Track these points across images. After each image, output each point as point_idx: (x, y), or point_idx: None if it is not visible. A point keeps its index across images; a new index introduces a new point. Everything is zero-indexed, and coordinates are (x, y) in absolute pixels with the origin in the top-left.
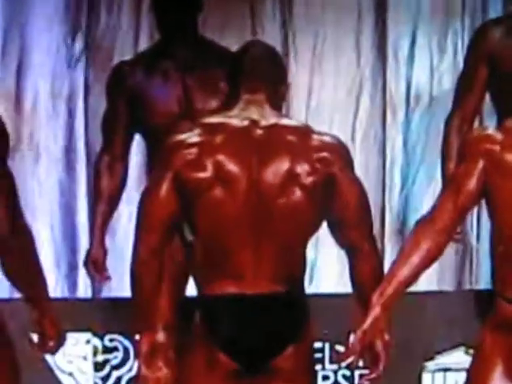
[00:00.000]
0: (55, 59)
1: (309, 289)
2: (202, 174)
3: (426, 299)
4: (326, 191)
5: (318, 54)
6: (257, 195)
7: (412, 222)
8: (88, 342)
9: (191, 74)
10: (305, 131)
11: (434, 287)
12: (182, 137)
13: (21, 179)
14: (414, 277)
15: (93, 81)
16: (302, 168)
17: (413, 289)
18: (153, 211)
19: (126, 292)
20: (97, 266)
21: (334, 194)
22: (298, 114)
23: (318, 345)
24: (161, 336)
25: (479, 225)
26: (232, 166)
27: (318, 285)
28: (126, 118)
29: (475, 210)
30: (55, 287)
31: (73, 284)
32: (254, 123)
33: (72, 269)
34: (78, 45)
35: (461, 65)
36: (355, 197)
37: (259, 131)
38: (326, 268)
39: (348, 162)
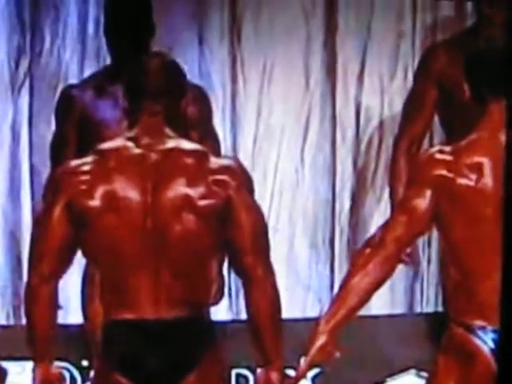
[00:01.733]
0: None
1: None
2: (94, 202)
3: (377, 322)
4: (222, 215)
5: (267, 77)
6: (152, 221)
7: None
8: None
9: None
10: (202, 154)
11: (385, 310)
12: (75, 163)
13: None
14: (363, 302)
15: (37, 106)
16: (198, 192)
17: (364, 312)
18: (44, 239)
19: (74, 319)
20: None
21: (230, 218)
22: (246, 137)
23: None
24: (55, 366)
25: (430, 247)
26: (126, 193)
27: None
28: (74, 141)
29: None
30: (0, 314)
31: (18, 311)
32: (150, 147)
33: (17, 296)
34: (22, 69)
35: None
36: (251, 221)
37: (155, 155)
38: None
39: (246, 186)
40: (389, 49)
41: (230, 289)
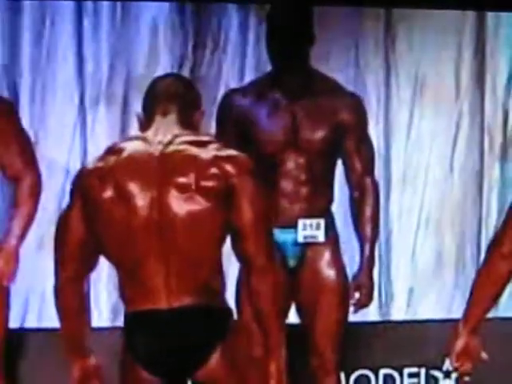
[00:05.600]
0: None
1: (406, 315)
2: (105, 193)
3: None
4: (226, 201)
5: (419, 84)
6: (158, 211)
7: None
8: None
9: (300, 103)
10: (207, 144)
11: None
12: (90, 164)
13: None
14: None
15: None
16: (201, 175)
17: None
18: (65, 241)
19: None
20: None
21: (232, 204)
22: (398, 144)
23: (413, 370)
24: (92, 360)
25: None
26: (133, 185)
27: (416, 311)
28: (234, 144)
29: None
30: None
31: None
32: (159, 143)
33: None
34: (184, 75)
35: None
36: (253, 208)
37: (162, 148)
38: (424, 295)
39: (249, 175)
40: None
41: (380, 291)
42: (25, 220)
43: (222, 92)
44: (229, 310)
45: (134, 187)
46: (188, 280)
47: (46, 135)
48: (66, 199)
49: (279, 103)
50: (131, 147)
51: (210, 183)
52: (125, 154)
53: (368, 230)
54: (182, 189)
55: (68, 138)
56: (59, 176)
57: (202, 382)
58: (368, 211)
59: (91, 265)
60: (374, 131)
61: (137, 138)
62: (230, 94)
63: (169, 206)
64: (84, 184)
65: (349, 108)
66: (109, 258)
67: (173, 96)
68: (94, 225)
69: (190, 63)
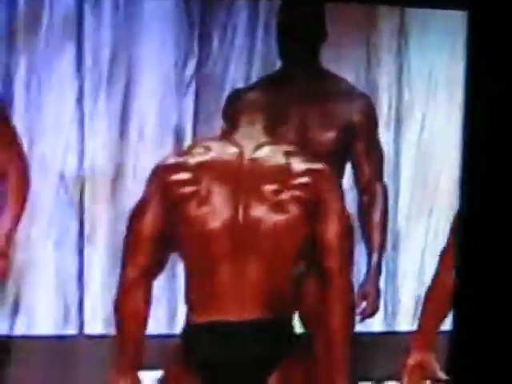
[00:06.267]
0: (164, 85)
1: (412, 326)
2: (185, 192)
3: None
4: (312, 213)
5: (433, 86)
6: (243, 216)
7: None
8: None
9: (310, 103)
10: (295, 155)
11: None
12: (173, 158)
13: (124, 209)
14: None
15: (202, 108)
16: (293, 189)
17: None
18: (141, 230)
19: None
20: None
21: (320, 217)
22: (409, 147)
23: None
24: (139, 375)
25: None
26: (218, 186)
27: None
28: None
29: None
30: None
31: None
32: (247, 147)
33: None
34: (189, 71)
35: None
36: (340, 224)
37: (250, 154)
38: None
39: (337, 189)
40: None
41: (385, 302)
42: (11, 218)
43: (228, 89)
44: (295, 325)
45: (218, 188)
46: (261, 292)
47: (42, 131)
48: (62, 197)
49: (289, 102)
50: (218, 147)
51: (299, 193)
52: (212, 154)
53: (376, 236)
54: (270, 196)
55: (65, 133)
56: (54, 174)
57: None
58: (376, 217)
59: (161, 264)
60: (385, 134)
61: (224, 138)
62: (237, 93)
63: (253, 213)
64: (165, 178)
65: (359, 110)
66: (183, 258)
67: (260, 106)
68: (171, 221)
69: (195, 58)
